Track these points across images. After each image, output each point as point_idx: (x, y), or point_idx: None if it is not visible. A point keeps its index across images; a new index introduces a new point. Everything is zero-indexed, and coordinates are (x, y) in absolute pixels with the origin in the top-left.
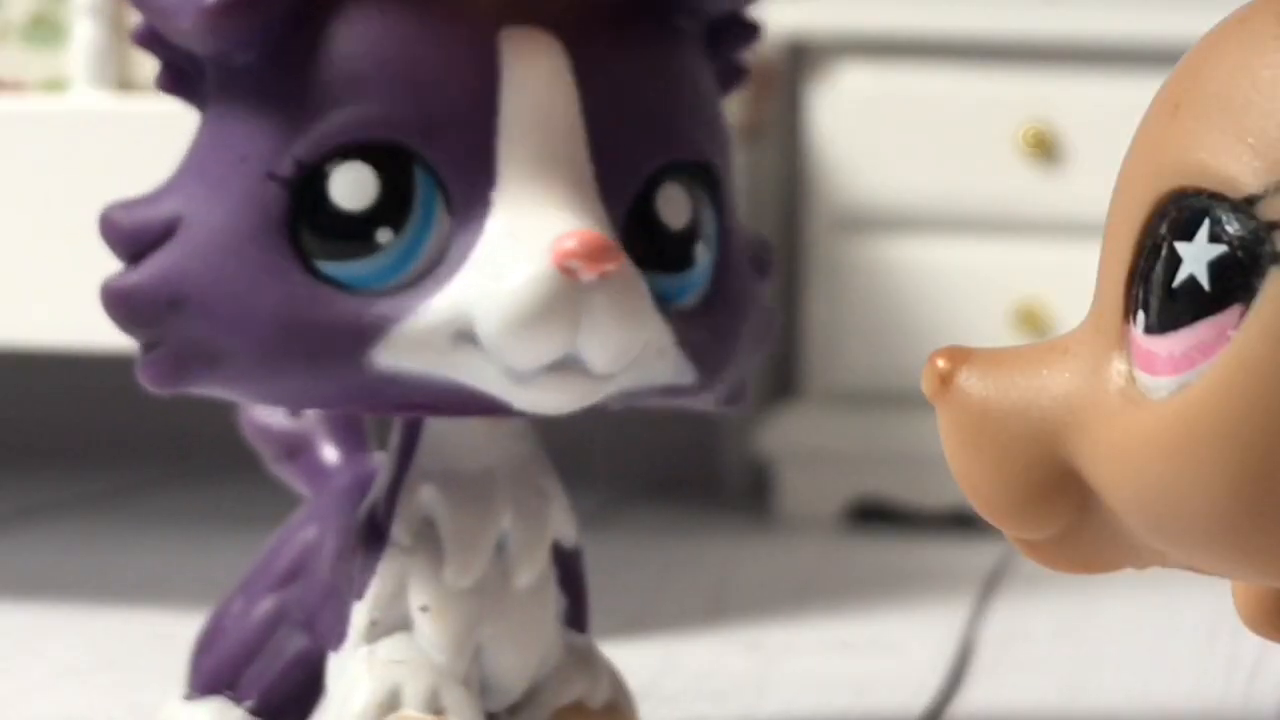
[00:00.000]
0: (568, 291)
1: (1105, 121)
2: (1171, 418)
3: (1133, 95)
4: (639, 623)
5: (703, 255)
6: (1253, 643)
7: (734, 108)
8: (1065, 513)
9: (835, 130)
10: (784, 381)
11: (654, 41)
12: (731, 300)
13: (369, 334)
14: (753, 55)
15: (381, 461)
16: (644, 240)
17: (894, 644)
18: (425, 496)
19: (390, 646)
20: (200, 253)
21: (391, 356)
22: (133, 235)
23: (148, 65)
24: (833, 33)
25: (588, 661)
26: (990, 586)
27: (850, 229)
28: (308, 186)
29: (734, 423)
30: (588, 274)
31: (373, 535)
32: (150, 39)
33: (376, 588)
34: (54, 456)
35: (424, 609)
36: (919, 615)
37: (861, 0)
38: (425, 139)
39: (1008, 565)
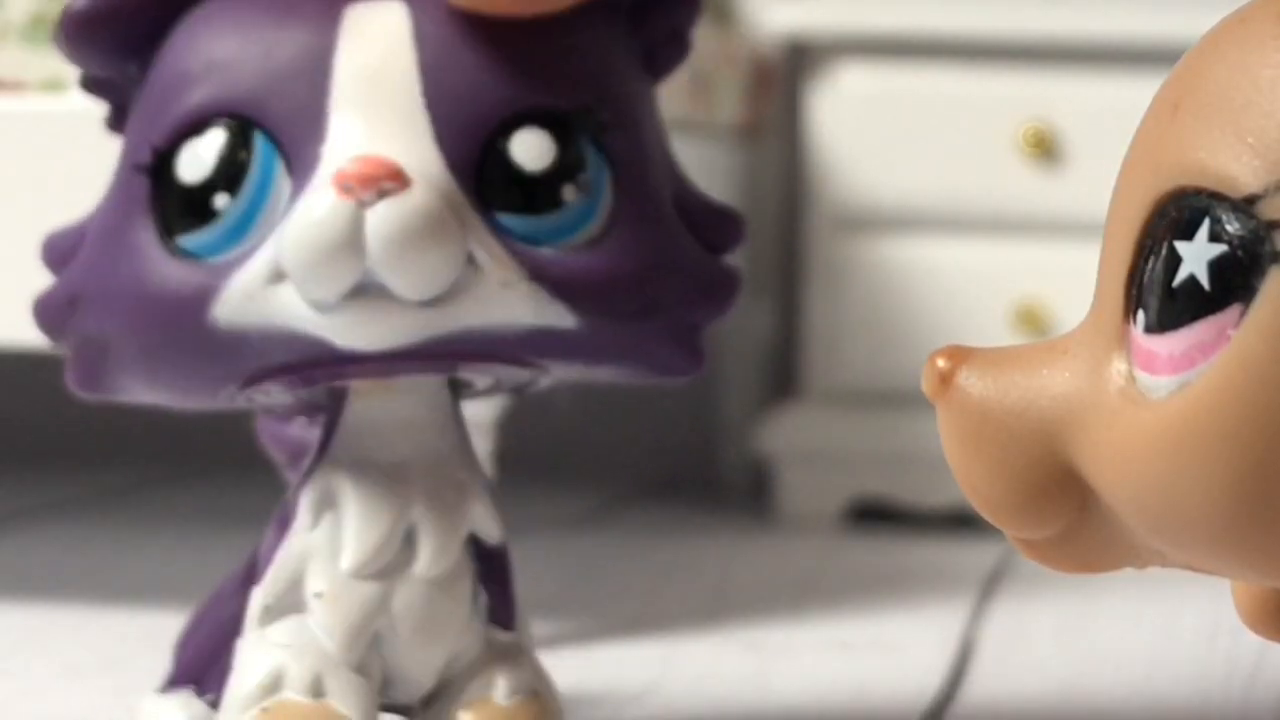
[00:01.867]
0: (345, 213)
1: (1105, 121)
2: (1171, 417)
3: (1133, 95)
4: (639, 623)
5: (574, 197)
6: (1253, 643)
7: (734, 108)
8: (1065, 512)
9: (835, 130)
10: (784, 381)
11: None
12: (628, 243)
13: (205, 293)
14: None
15: None
16: (498, 181)
17: (894, 644)
18: (331, 483)
19: (279, 630)
20: (89, 251)
21: (227, 313)
22: (53, 253)
23: None
24: (833, 33)
25: (508, 658)
26: (990, 586)
27: (850, 229)
28: (163, 169)
29: (734, 423)
30: (365, 194)
31: (280, 523)
32: (89, 83)
33: (273, 574)
34: (54, 456)
35: (318, 595)
36: (919, 615)
37: (861, 0)
38: (260, 107)
39: (1008, 565)
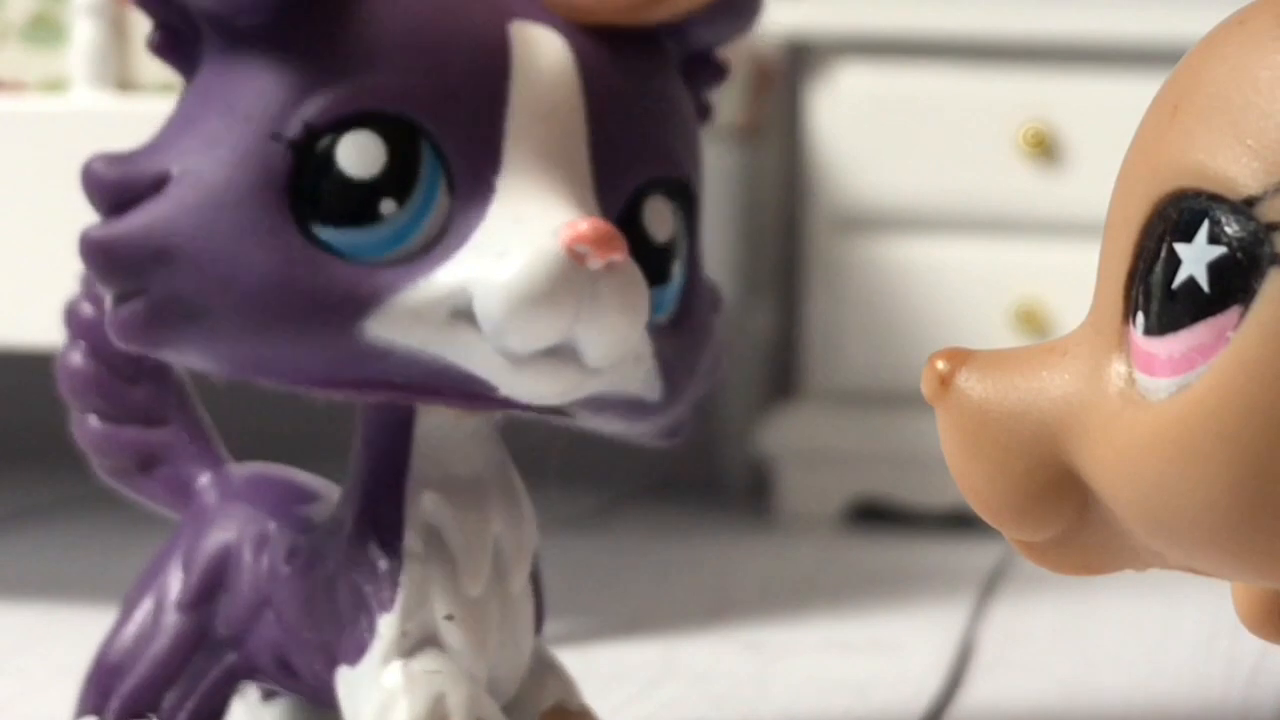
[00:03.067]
0: (574, 275)
1: (1105, 121)
2: (1171, 419)
3: (1133, 95)
4: (639, 623)
5: (677, 272)
6: (1253, 643)
7: (734, 108)
8: (1065, 514)
9: (835, 130)
10: (784, 381)
11: (646, 58)
12: (696, 324)
13: (364, 303)
14: (751, 50)
15: (254, 471)
16: (631, 249)
17: (894, 644)
18: (429, 504)
19: (425, 658)
20: (193, 207)
21: (384, 328)
22: (117, 186)
23: (148, 65)
24: (833, 33)
25: (550, 663)
26: (990, 586)
27: (850, 229)
28: (313, 150)
29: (734, 423)
30: (596, 260)
31: (380, 544)
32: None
33: (403, 599)
34: (54, 456)
35: (449, 617)
36: (919, 615)
37: (861, 0)
38: (435, 117)
39: (1008, 565)
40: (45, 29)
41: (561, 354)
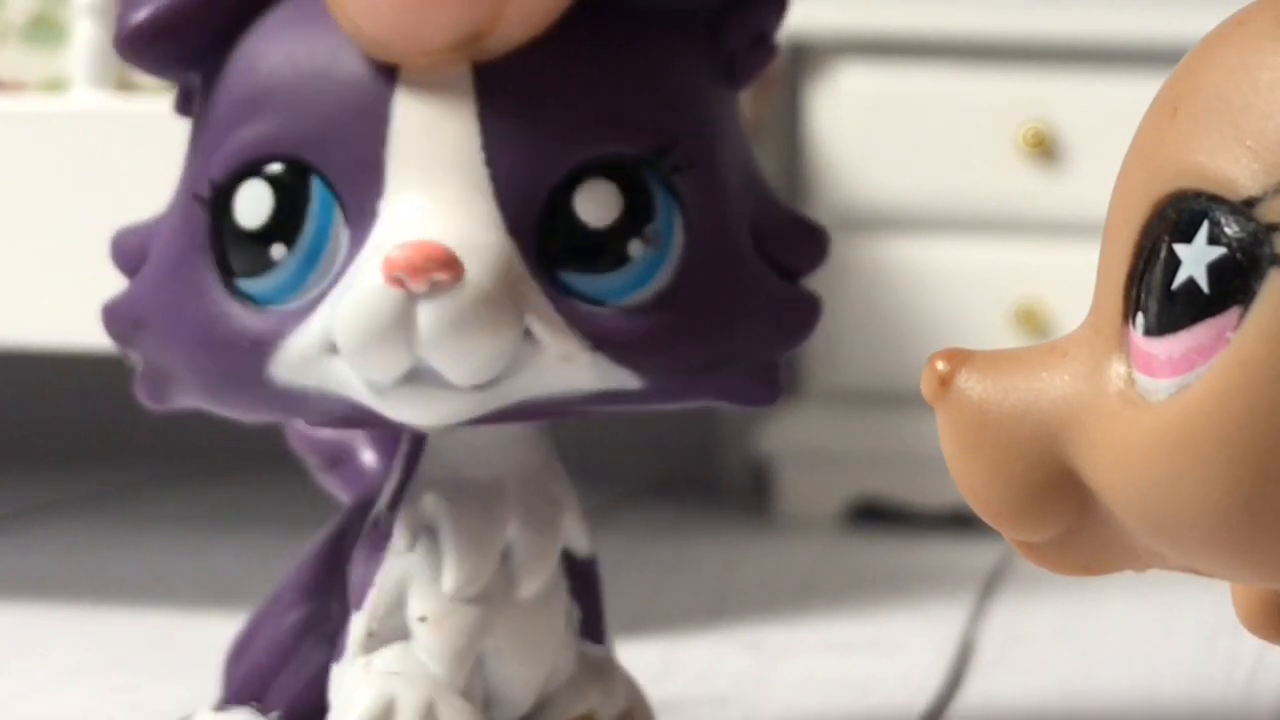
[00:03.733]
0: (395, 305)
1: (1105, 121)
2: (1171, 420)
3: (1133, 95)
4: (639, 623)
5: (639, 251)
6: (1253, 643)
7: None
8: (1065, 515)
9: (835, 130)
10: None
11: (588, 36)
12: (700, 294)
13: (262, 348)
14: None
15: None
16: (563, 240)
17: (894, 644)
18: (427, 505)
19: (387, 657)
20: (151, 275)
21: (285, 371)
22: (125, 258)
23: None
24: (833, 33)
25: (602, 673)
26: (990, 586)
27: (850, 229)
28: (222, 206)
29: (734, 423)
30: (415, 284)
31: (373, 544)
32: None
33: (374, 598)
34: (54, 456)
35: (422, 619)
36: (919, 615)
37: (861, 0)
38: (318, 152)
39: (1008, 565)
40: (45, 29)
41: (424, 379)
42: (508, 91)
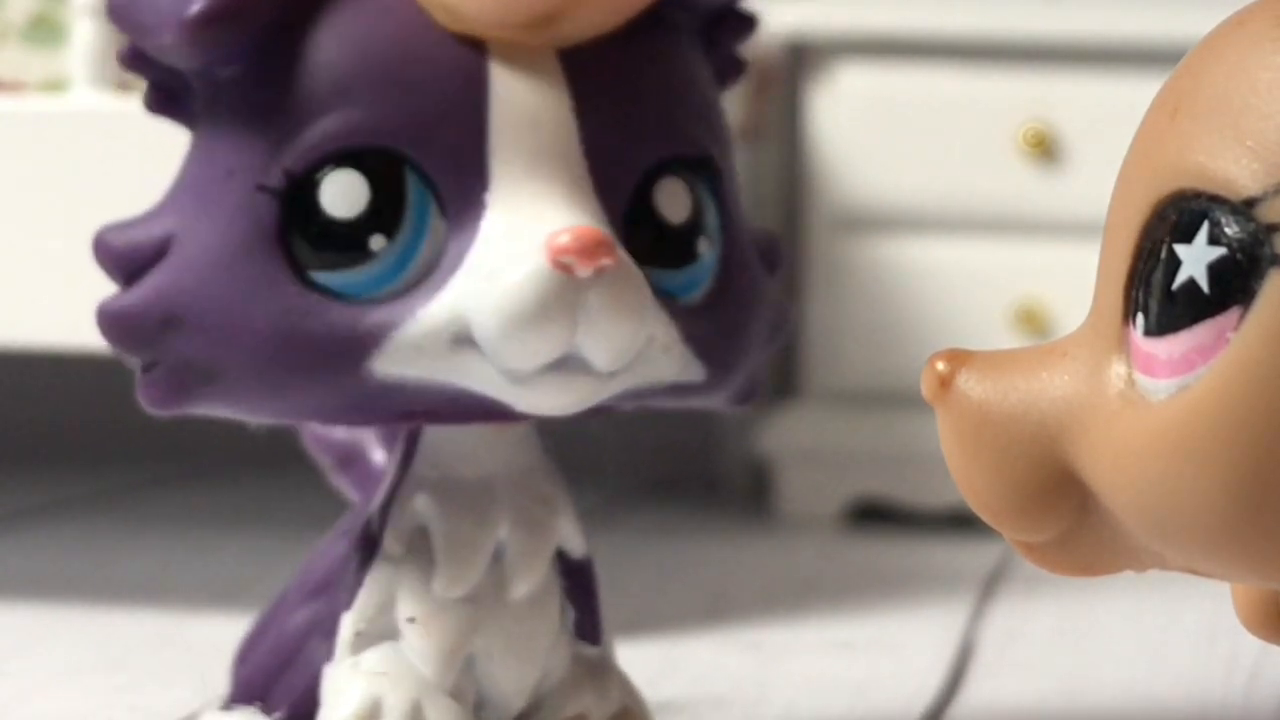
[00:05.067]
0: (564, 288)
1: (1105, 121)
2: (1171, 420)
3: (1133, 95)
4: (639, 623)
5: (706, 250)
6: (1253, 643)
7: (734, 108)
8: (1065, 515)
9: (835, 130)
10: (784, 381)
11: (647, 36)
12: (738, 294)
13: (367, 343)
14: (752, 52)
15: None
16: (645, 236)
17: (894, 644)
18: (419, 505)
19: (374, 657)
20: (192, 269)
21: (391, 364)
22: (125, 256)
23: None
24: (833, 33)
25: (596, 674)
26: (990, 586)
27: (850, 229)
28: (298, 196)
29: (734, 423)
30: (583, 269)
31: (366, 545)
32: (136, 59)
33: (363, 599)
34: (54, 456)
35: (411, 620)
36: (919, 615)
37: (861, 0)
38: (414, 143)
39: (1008, 565)
40: (45, 29)
41: (569, 365)
42: (596, 86)
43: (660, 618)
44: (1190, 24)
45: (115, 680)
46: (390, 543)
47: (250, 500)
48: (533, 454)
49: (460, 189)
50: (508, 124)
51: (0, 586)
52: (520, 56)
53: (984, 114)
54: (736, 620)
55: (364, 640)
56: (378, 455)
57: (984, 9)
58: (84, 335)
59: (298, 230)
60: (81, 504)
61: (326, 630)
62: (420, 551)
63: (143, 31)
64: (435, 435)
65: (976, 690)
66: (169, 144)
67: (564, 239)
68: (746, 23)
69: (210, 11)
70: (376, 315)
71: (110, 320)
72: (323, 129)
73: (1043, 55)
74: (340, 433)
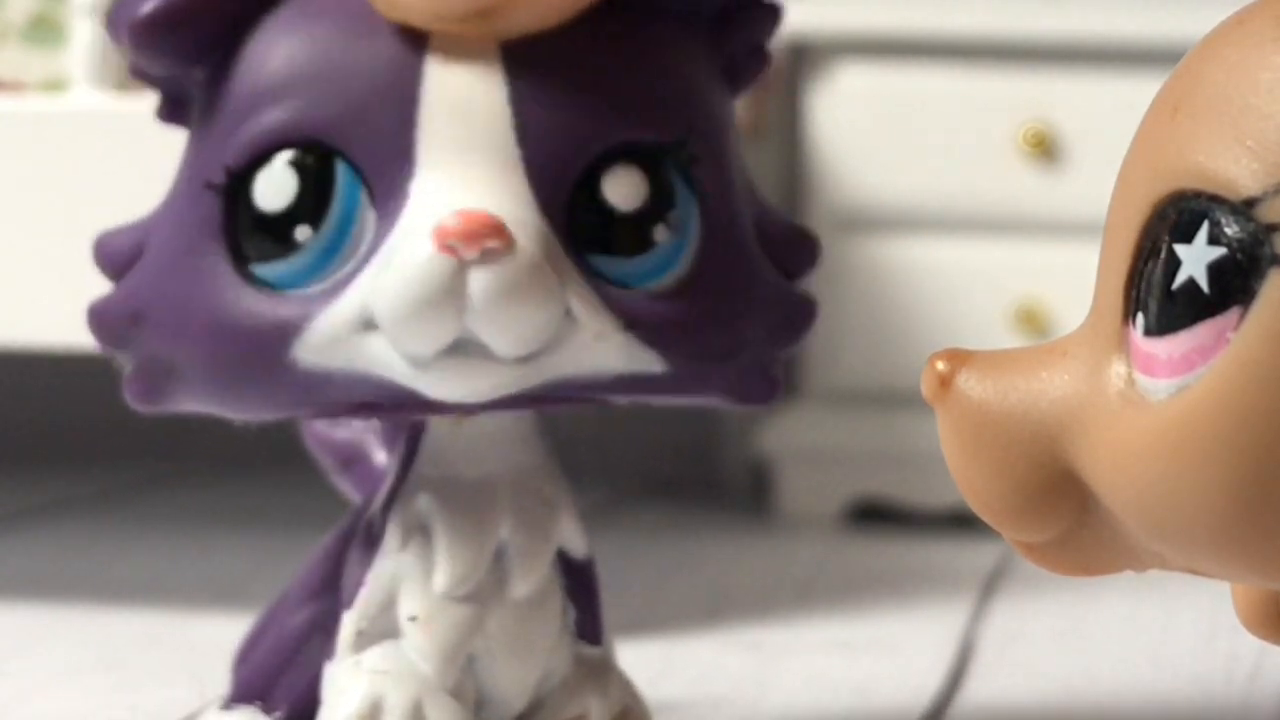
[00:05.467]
0: (449, 271)
1: (1105, 121)
2: (1171, 420)
3: (1133, 95)
4: (639, 623)
5: (665, 237)
6: (1252, 643)
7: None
8: (1065, 515)
9: (835, 130)
10: (784, 381)
11: (608, 21)
12: (718, 282)
13: (287, 331)
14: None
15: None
16: (592, 223)
17: (894, 644)
18: (421, 504)
19: (376, 656)
20: (153, 268)
21: (311, 353)
22: (111, 258)
23: None
24: (833, 33)
25: (597, 675)
26: (990, 586)
27: (850, 229)
28: (238, 192)
29: (734, 423)
30: (468, 252)
31: (367, 544)
32: (139, 71)
33: (365, 597)
34: (54, 456)
35: (412, 618)
36: (919, 615)
37: (861, 0)
38: (343, 134)
39: (1008, 565)
40: (45, 29)
41: (468, 350)
42: (537, 75)
43: (660, 618)
44: (1190, 24)
45: (114, 680)
46: (392, 541)
47: (250, 500)
48: (535, 454)
49: (388, 179)
50: (437, 113)
51: (0, 586)
52: (460, 47)
53: (984, 114)
54: (736, 620)
55: (365, 639)
56: (380, 456)
57: (984, 9)
58: (84, 335)
59: (238, 224)
60: (81, 504)
61: (327, 630)
62: (422, 550)
63: (113, 36)
64: (438, 435)
65: (976, 690)
66: (169, 144)
67: (450, 222)
68: (767, 13)
69: (156, 15)
70: (298, 305)
71: (91, 319)
72: (259, 124)
73: (1043, 55)
74: (342, 433)
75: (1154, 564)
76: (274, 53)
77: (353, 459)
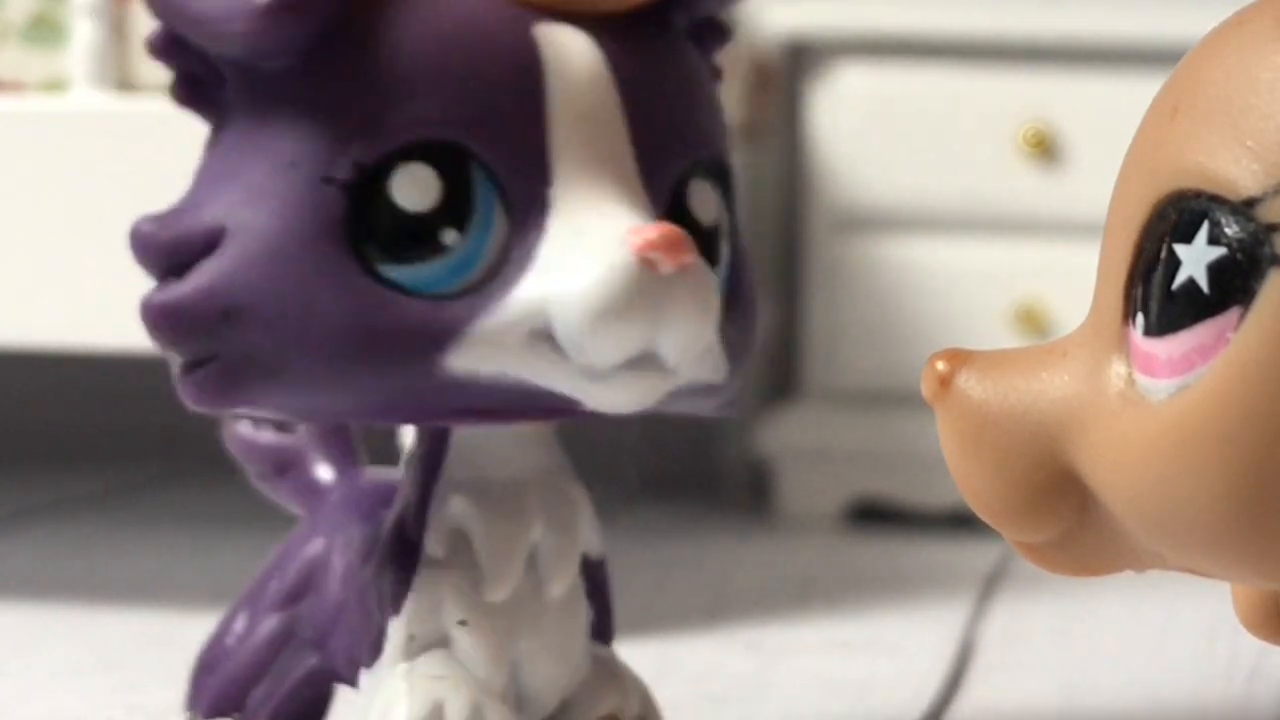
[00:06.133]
0: (649, 284)
1: (1105, 121)
2: (1171, 420)
3: (1133, 95)
4: (639, 623)
5: (727, 252)
6: (1253, 643)
7: (734, 107)
8: (1065, 515)
9: (835, 130)
10: (784, 381)
11: (663, 40)
12: (748, 297)
13: (442, 337)
14: (750, 51)
15: (378, 476)
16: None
17: (894, 644)
18: (456, 508)
19: (430, 662)
20: (254, 261)
21: (465, 360)
22: (171, 248)
23: (148, 66)
24: (833, 33)
25: (615, 673)
26: (990, 586)
27: (850, 229)
28: (367, 189)
29: (734, 423)
30: (668, 266)
31: (403, 549)
32: (168, 47)
33: (413, 603)
34: (54, 456)
35: (462, 623)
36: (919, 615)
37: (861, 0)
38: (479, 137)
39: (1008, 565)
40: (45, 29)
41: (645, 362)
42: (636, 84)
43: (660, 618)
44: (1190, 24)
45: (114, 680)
46: (433, 546)
47: (250, 500)
48: (555, 455)
49: (524, 184)
50: (566, 119)
51: (0, 586)
52: (572, 53)
53: (984, 114)
54: (736, 620)
55: (417, 644)
56: (319, 467)
57: (984, 9)
58: (84, 335)
59: (366, 223)
60: (81, 504)
61: (304, 637)
62: (461, 554)
63: (203, 23)
64: (469, 438)
65: (976, 690)
66: (169, 143)
67: (651, 234)
68: (726, 32)
69: (283, 1)
70: (450, 310)
71: (162, 314)
72: (394, 120)
73: (1043, 55)
74: (268, 438)
75: (1153, 564)
76: (399, 45)
77: (286, 465)
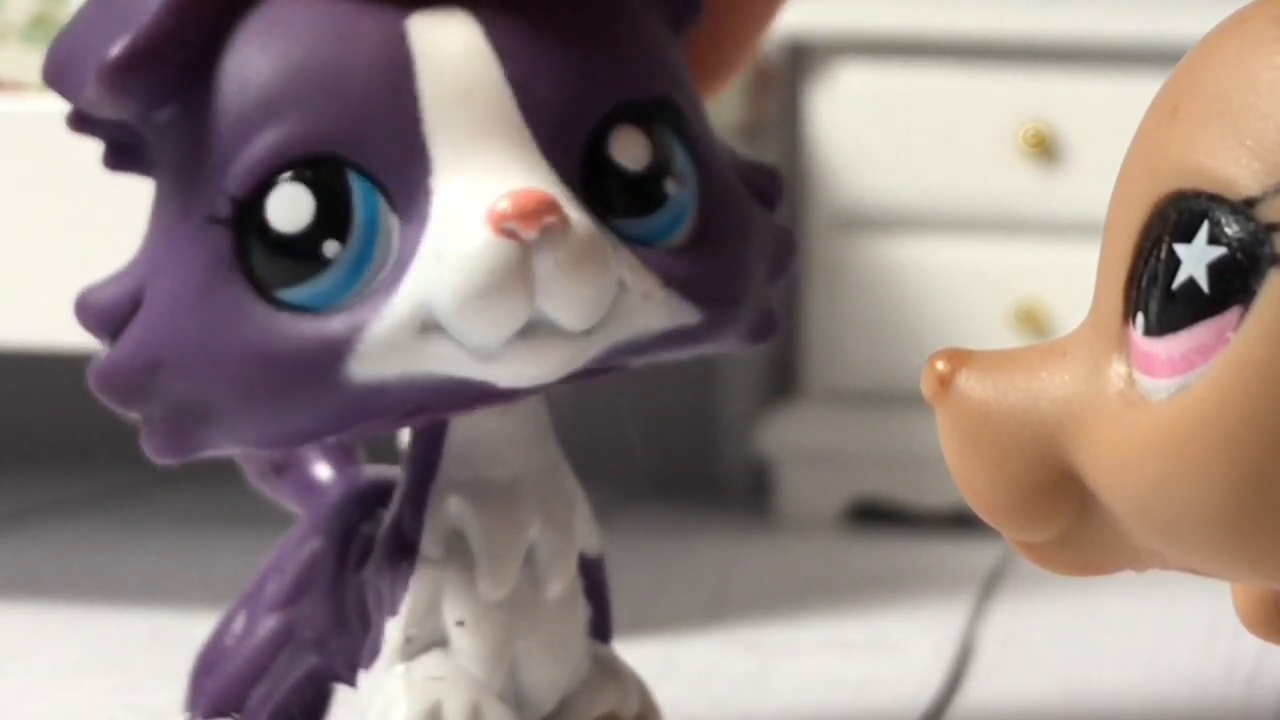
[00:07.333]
0: (513, 255)
1: (1105, 121)
2: (1171, 420)
3: (1133, 95)
4: (639, 623)
5: (675, 190)
6: (1253, 643)
7: (734, 107)
8: (1065, 515)
9: (835, 130)
10: (784, 381)
11: None
12: (725, 230)
13: (338, 349)
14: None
15: (377, 474)
16: (607, 186)
17: (894, 644)
18: (453, 507)
19: (428, 662)
20: (165, 313)
21: (366, 366)
22: (106, 315)
23: None
24: (833, 33)
25: (614, 672)
26: (990, 586)
27: (850, 229)
28: (248, 220)
29: (734, 423)
30: (528, 232)
31: (400, 549)
32: (81, 121)
33: (410, 603)
34: (54, 456)
35: (460, 623)
36: (919, 615)
37: (861, 0)
38: (349, 143)
39: (1008, 565)
40: (45, 29)
41: (538, 330)
42: (525, 48)
43: (660, 618)
44: (1190, 24)
45: (114, 680)
46: (430, 545)
47: (250, 500)
48: (553, 453)
49: (404, 180)
50: (440, 104)
51: (0, 586)
52: (443, 37)
53: (984, 114)
54: (736, 620)
55: (414, 645)
56: (318, 466)
57: (984, 9)
58: (84, 335)
59: (254, 253)
60: (81, 504)
61: (303, 637)
62: (461, 554)
63: (71, 91)
64: (464, 437)
65: (976, 690)
66: None
67: (503, 205)
68: None
69: (126, 55)
70: (344, 320)
71: (102, 380)
72: (258, 147)
73: (1043, 55)
74: None
75: (1154, 563)
76: (255, 70)
77: (284, 465)
